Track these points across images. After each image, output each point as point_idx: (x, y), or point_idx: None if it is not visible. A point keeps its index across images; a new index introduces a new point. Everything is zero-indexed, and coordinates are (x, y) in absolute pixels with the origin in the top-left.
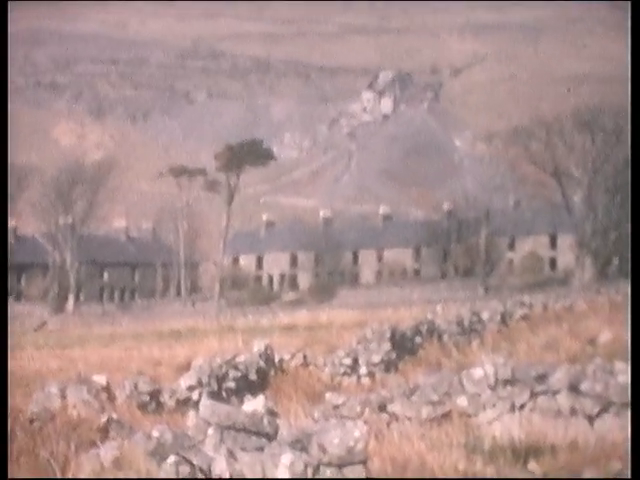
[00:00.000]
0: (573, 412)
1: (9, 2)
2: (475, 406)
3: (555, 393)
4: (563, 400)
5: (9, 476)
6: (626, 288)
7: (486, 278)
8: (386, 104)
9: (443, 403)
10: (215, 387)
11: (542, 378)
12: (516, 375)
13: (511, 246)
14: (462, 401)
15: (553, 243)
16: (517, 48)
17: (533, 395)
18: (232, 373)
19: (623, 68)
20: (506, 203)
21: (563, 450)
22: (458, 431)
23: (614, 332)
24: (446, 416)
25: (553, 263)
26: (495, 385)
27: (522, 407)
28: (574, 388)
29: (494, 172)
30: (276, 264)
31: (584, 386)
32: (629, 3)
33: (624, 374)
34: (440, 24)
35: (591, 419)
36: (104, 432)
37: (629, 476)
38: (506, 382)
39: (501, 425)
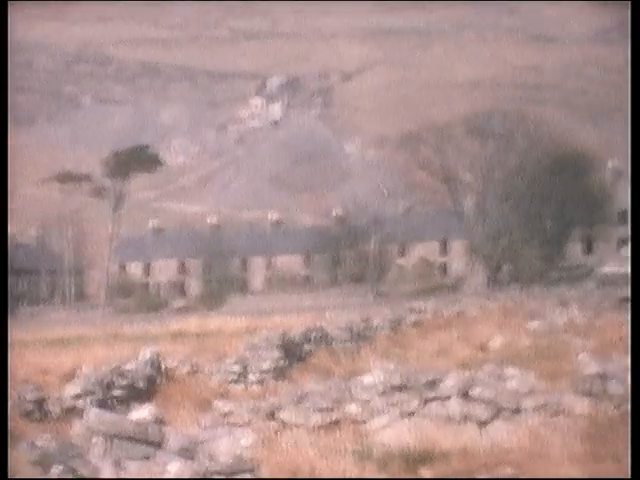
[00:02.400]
0: (464, 418)
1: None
2: (365, 413)
3: (446, 399)
4: (454, 406)
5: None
6: (517, 294)
7: (376, 284)
8: (275, 110)
9: (333, 410)
10: (101, 395)
11: (433, 384)
12: (406, 381)
13: (402, 252)
14: (352, 408)
15: (444, 249)
16: (409, 53)
17: (424, 401)
18: (119, 381)
19: (514, 73)
20: (396, 209)
21: (454, 456)
22: (348, 438)
23: (505, 338)
24: (336, 423)
25: (444, 269)
26: (385, 392)
27: (413, 413)
28: (465, 394)
29: (384, 178)
30: (164, 271)
31: (475, 392)
32: (629, 3)
33: (514, 380)
34: (330, 28)
35: (482, 425)
36: None
37: (629, 476)
38: (396, 389)
39: (392, 432)
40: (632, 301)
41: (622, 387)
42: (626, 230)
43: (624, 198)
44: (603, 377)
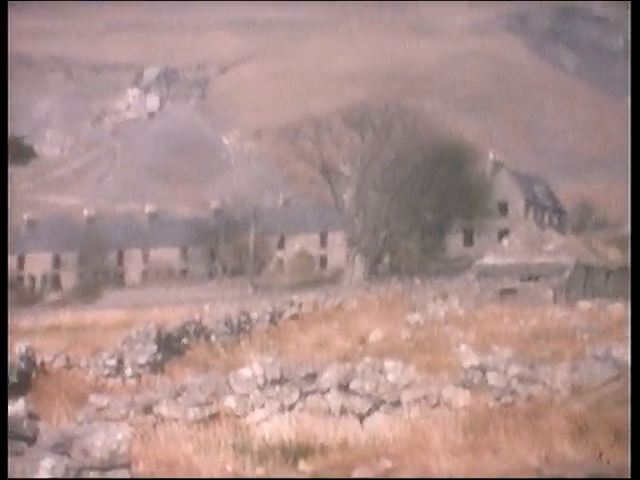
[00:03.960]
0: (343, 411)
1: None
2: (243, 406)
3: (325, 392)
4: (333, 399)
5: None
6: (397, 286)
7: (255, 277)
8: (152, 101)
9: (211, 404)
10: None
11: (312, 377)
12: (285, 375)
13: (281, 245)
14: (230, 402)
15: (323, 241)
16: (287, 44)
17: (303, 395)
18: None
19: (392, 65)
20: (275, 201)
21: (333, 449)
22: (226, 432)
23: (385, 330)
24: (214, 417)
25: (323, 261)
26: (264, 385)
27: (291, 407)
28: (344, 387)
29: (263, 170)
30: (38, 264)
31: (354, 385)
32: (629, 3)
33: (394, 372)
34: (207, 20)
35: (361, 418)
36: None
37: (629, 476)
38: (275, 382)
39: (270, 425)
40: (632, 301)
41: (502, 379)
42: (506, 221)
43: (504, 190)
44: (483, 369)
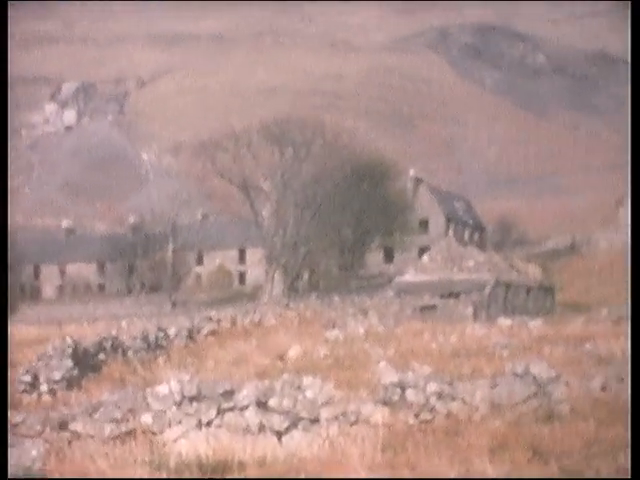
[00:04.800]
0: (261, 428)
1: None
2: (160, 423)
3: (243, 409)
4: (251, 416)
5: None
6: (316, 302)
7: (173, 293)
8: (69, 116)
9: (127, 420)
10: None
11: (229, 394)
12: (203, 391)
13: (199, 260)
14: (147, 418)
15: (242, 257)
16: (206, 59)
17: (220, 411)
18: None
19: (313, 81)
20: (194, 216)
21: (251, 466)
22: (142, 449)
23: (303, 347)
24: (130, 433)
25: (242, 277)
26: (181, 402)
27: (209, 424)
28: (262, 404)
29: (182, 185)
30: None
31: (272, 402)
32: (629, 3)
33: (312, 389)
34: (126, 34)
35: (280, 435)
36: None
37: (629, 476)
38: (192, 399)
39: (187, 442)
40: (632, 303)
41: (421, 396)
42: (426, 238)
43: (424, 206)
44: (402, 386)
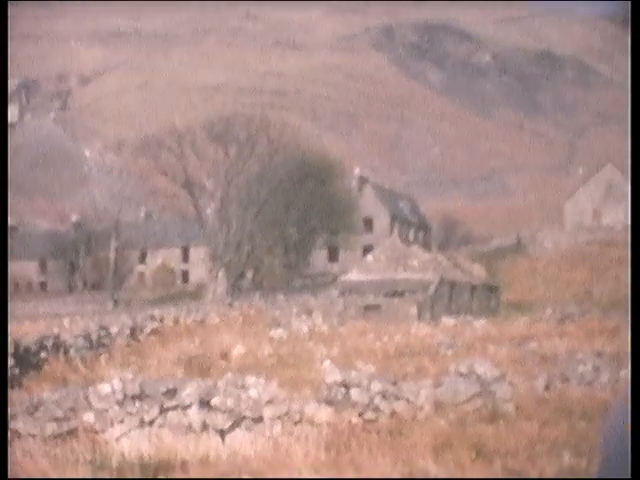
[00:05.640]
0: (204, 427)
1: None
2: (102, 422)
3: (186, 408)
4: (194, 415)
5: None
6: (260, 301)
7: (116, 291)
8: (11, 112)
9: (69, 419)
10: None
11: (172, 393)
12: (145, 390)
13: (142, 259)
14: (89, 417)
15: (185, 256)
16: (150, 56)
17: (163, 410)
18: None
19: (257, 79)
20: (137, 214)
21: (194, 465)
22: (84, 448)
23: (247, 346)
24: (72, 432)
25: (185, 276)
26: (123, 400)
27: (151, 423)
28: (205, 403)
29: (125, 183)
30: None
31: (215, 401)
32: (629, 3)
33: (256, 388)
34: (69, 30)
35: (223, 434)
36: None
37: (629, 476)
38: (135, 397)
39: (129, 441)
40: (632, 303)
41: (365, 395)
42: (371, 237)
43: (369, 205)
44: (346, 385)
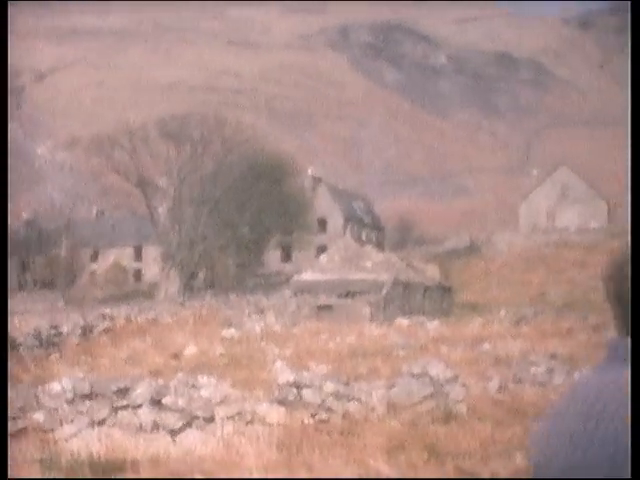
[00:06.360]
0: (155, 427)
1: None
2: (52, 421)
3: (137, 407)
4: (145, 414)
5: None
6: (212, 301)
7: (67, 290)
8: None
9: (18, 418)
10: None
11: (123, 392)
12: (96, 389)
13: (94, 257)
14: (38, 416)
15: (138, 254)
16: (105, 55)
17: (114, 410)
18: None
19: (212, 77)
20: (89, 213)
21: (144, 465)
22: (33, 447)
23: (199, 345)
24: (21, 432)
25: (138, 275)
26: (73, 400)
27: (102, 422)
28: (156, 402)
29: (77, 181)
30: None
31: (167, 400)
32: (629, 3)
33: (208, 388)
34: (24, 27)
35: (174, 433)
36: None
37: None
38: (85, 397)
39: (79, 440)
40: (632, 303)
41: (317, 396)
42: (324, 237)
43: (323, 205)
44: (298, 385)
